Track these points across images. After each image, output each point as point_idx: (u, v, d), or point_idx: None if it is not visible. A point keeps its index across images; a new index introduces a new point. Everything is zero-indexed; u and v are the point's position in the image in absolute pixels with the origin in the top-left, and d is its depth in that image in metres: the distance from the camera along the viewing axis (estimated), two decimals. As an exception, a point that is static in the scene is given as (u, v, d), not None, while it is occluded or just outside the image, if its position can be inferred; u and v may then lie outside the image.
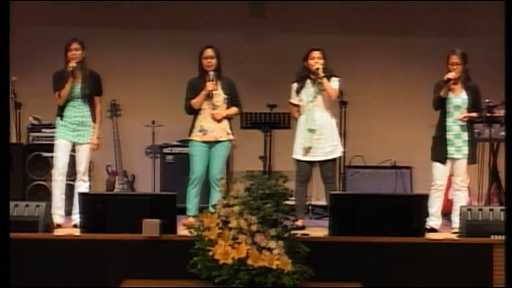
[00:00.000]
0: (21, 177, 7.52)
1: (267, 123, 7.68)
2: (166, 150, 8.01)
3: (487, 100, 6.97)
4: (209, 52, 6.47)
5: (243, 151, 8.11)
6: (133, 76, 8.49)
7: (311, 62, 6.48)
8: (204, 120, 6.47)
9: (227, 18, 8.50)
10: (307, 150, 6.48)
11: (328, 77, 6.48)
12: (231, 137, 6.57)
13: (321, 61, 6.47)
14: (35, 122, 7.96)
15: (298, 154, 6.53)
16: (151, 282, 5.07)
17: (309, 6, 8.44)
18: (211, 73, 6.42)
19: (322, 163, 6.51)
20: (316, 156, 6.49)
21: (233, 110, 6.60)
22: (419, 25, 8.50)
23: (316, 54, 6.49)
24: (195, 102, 6.46)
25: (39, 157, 7.54)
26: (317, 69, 6.43)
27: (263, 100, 7.74)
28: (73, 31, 7.05)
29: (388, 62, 8.58)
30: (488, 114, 7.01)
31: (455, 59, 6.29)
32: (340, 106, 7.99)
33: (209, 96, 6.43)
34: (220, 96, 6.49)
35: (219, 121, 6.47)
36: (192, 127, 6.51)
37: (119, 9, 8.42)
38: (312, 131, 6.46)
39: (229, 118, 6.58)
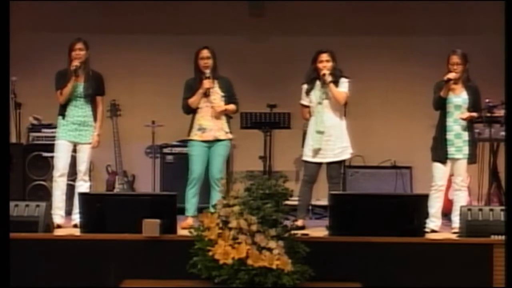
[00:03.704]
0: (21, 177, 7.52)
1: (267, 123, 7.69)
2: (166, 150, 8.02)
3: (487, 100, 6.97)
4: (205, 53, 6.46)
5: (243, 151, 8.11)
6: (133, 76, 8.48)
7: (319, 65, 6.43)
8: (202, 119, 6.46)
9: (226, 18, 8.49)
10: (317, 151, 6.45)
11: (337, 80, 6.43)
12: (230, 136, 6.56)
13: (329, 64, 6.41)
14: (35, 122, 7.96)
15: (308, 156, 6.51)
16: (151, 282, 5.07)
17: (309, 6, 8.43)
18: (207, 72, 6.42)
19: (329, 163, 6.50)
20: (325, 157, 6.45)
21: (231, 106, 6.57)
22: (419, 25, 8.48)
23: (324, 57, 6.43)
24: (192, 101, 6.45)
25: (39, 157, 7.53)
26: (324, 75, 6.38)
27: (263, 100, 7.74)
28: (74, 34, 7.03)
29: (388, 62, 8.56)
30: (488, 114, 7.02)
31: (456, 59, 6.29)
32: (340, 106, 7.98)
33: (206, 95, 6.43)
34: (217, 94, 6.47)
35: (217, 118, 6.45)
36: (191, 126, 6.50)
37: (119, 10, 8.41)
38: (321, 133, 6.42)
39: (227, 116, 6.56)
